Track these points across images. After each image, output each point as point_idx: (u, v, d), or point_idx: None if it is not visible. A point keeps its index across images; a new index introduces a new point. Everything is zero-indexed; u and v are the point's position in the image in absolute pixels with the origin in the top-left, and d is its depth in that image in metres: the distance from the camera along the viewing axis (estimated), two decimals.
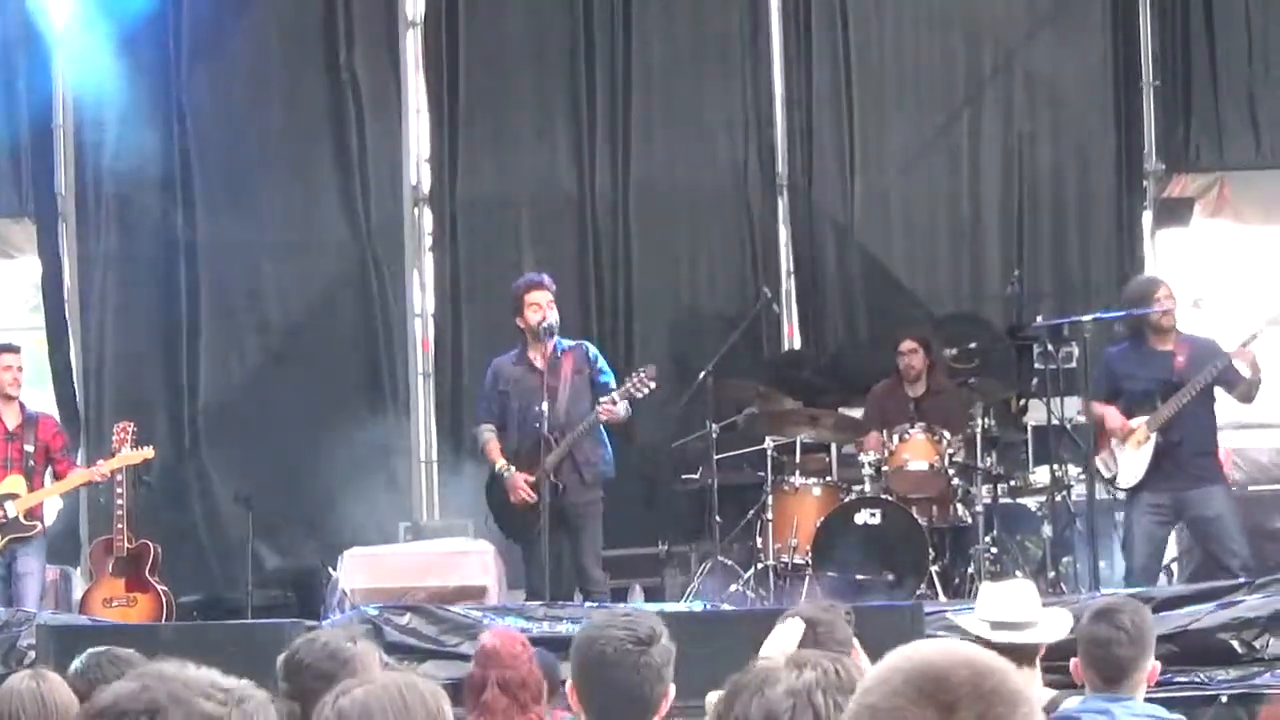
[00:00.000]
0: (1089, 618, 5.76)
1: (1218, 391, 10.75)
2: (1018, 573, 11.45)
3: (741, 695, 3.03)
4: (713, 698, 5.33)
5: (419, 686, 3.55)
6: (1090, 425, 10.97)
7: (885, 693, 2.18)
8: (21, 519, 11.31)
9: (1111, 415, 10.77)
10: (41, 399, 12.94)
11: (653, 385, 10.96)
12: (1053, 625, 6.39)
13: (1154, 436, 10.61)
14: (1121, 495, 11.05)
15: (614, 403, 10.80)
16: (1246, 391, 10.79)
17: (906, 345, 12.29)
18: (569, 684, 4.48)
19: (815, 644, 5.14)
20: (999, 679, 2.22)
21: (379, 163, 14.41)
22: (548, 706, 6.17)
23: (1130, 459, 10.71)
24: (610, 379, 11.06)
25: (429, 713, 3.50)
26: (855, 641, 5.31)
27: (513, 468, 10.92)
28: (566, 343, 11.12)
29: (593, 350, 11.27)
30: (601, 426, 10.94)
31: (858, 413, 12.46)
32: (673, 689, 4.44)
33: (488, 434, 11.15)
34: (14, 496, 11.33)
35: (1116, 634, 5.60)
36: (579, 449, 10.86)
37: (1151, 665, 5.71)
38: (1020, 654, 6.27)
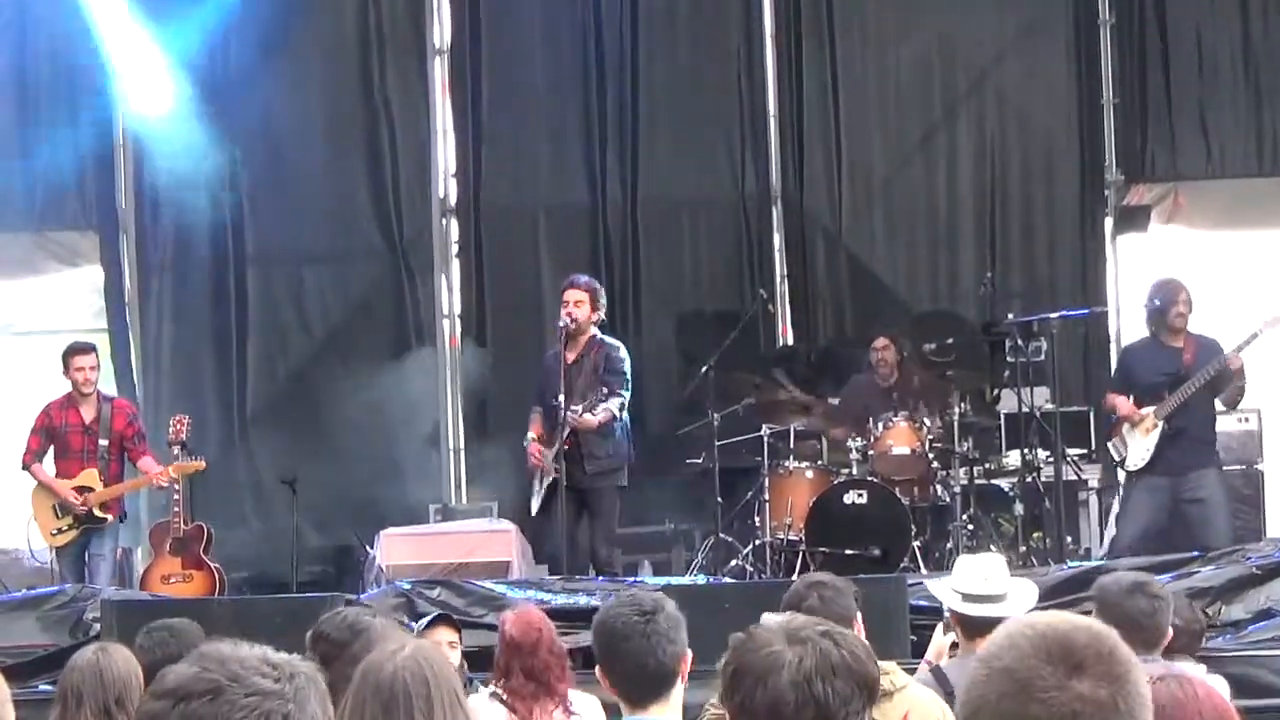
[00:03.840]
0: (1124, 593, 5.65)
1: None
2: (992, 547, 11.45)
3: (745, 680, 2.97)
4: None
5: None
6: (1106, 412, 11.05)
7: (1017, 656, 2.19)
8: (95, 511, 11.32)
9: (1122, 404, 10.79)
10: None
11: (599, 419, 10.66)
12: (1020, 600, 6.31)
13: (1160, 424, 10.61)
14: (1121, 475, 11.07)
15: (578, 414, 10.58)
16: (1231, 397, 10.81)
17: (880, 342, 12.35)
18: (596, 669, 4.47)
19: (821, 606, 5.12)
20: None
21: (410, 178, 14.40)
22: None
23: (1139, 444, 10.70)
24: (616, 379, 10.85)
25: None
26: (859, 615, 5.29)
27: (532, 437, 10.90)
28: (606, 338, 11.01)
29: (618, 352, 10.97)
30: (614, 425, 10.79)
31: None
32: (689, 653, 4.43)
33: (533, 414, 11.08)
34: (89, 489, 11.34)
35: (1157, 604, 5.53)
36: (584, 443, 10.77)
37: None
38: (989, 626, 6.23)
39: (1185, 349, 10.75)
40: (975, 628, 6.26)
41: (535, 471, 10.94)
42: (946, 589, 6.44)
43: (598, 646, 4.41)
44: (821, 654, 2.94)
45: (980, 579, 6.35)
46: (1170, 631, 5.64)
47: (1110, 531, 11.08)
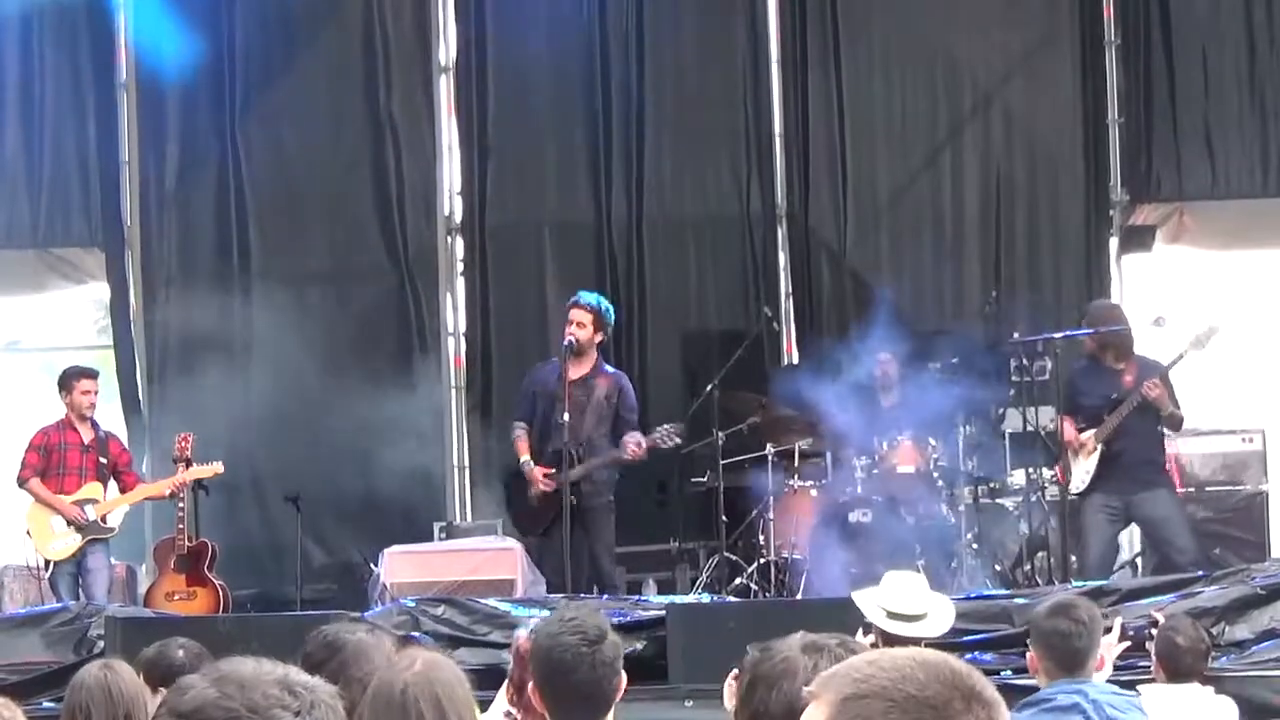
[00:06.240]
0: (1046, 614, 5.74)
1: None
2: (996, 566, 11.47)
3: (759, 686, 2.99)
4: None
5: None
6: (1057, 436, 11.07)
7: (920, 685, 2.13)
8: (100, 522, 11.36)
9: (1067, 429, 10.84)
10: (108, 411, 12.95)
11: (678, 441, 11.07)
12: (939, 620, 6.49)
13: (1099, 447, 10.66)
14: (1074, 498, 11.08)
15: (640, 447, 10.80)
16: (1167, 420, 10.83)
17: (883, 356, 12.35)
18: (530, 687, 4.45)
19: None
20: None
21: (415, 196, 14.43)
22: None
23: (1079, 467, 10.79)
24: (635, 416, 11.11)
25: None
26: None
27: (532, 462, 10.95)
28: (609, 367, 11.16)
29: (626, 382, 11.26)
30: None
31: None
32: (624, 678, 4.42)
33: (519, 431, 11.20)
34: (94, 501, 11.38)
35: (1076, 627, 5.59)
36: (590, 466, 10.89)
37: (1100, 654, 5.72)
38: (907, 644, 6.32)
39: (1126, 371, 10.81)
40: (896, 644, 6.39)
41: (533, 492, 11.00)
42: (873, 605, 6.60)
43: (539, 673, 4.35)
44: (836, 660, 2.94)
45: (903, 597, 6.51)
46: (1099, 658, 5.69)
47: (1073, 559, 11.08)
